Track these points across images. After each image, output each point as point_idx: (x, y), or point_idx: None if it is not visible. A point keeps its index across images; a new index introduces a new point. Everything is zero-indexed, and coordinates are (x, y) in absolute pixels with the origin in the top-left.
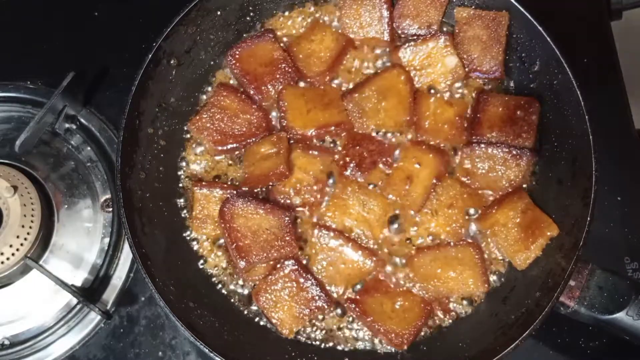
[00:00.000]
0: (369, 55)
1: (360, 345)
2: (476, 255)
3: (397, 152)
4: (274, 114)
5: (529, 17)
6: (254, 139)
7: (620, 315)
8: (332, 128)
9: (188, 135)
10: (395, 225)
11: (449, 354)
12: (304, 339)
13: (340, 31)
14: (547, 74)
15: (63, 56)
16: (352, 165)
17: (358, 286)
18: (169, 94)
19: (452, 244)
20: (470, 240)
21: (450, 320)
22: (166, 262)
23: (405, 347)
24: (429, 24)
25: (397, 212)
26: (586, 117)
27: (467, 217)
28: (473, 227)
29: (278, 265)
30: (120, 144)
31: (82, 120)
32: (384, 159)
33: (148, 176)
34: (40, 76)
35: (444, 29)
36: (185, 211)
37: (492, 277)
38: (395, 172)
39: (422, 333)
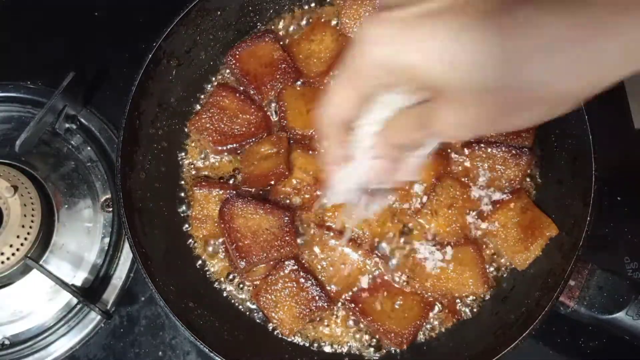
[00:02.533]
0: None
1: (360, 345)
2: (476, 256)
3: None
4: (274, 114)
5: None
6: (254, 139)
7: (620, 315)
8: None
9: (188, 136)
10: (395, 225)
11: (449, 354)
12: (304, 339)
13: (340, 31)
14: None
15: (63, 56)
16: None
17: (358, 286)
18: (169, 94)
19: (452, 244)
20: (470, 240)
21: (451, 321)
22: (166, 262)
23: (405, 347)
24: None
25: (396, 212)
26: (586, 117)
27: (466, 218)
28: (473, 227)
29: (278, 265)
30: (120, 144)
31: (82, 120)
32: None
33: (148, 176)
34: (40, 76)
35: None
36: (185, 211)
37: (492, 277)
38: None
39: (422, 333)
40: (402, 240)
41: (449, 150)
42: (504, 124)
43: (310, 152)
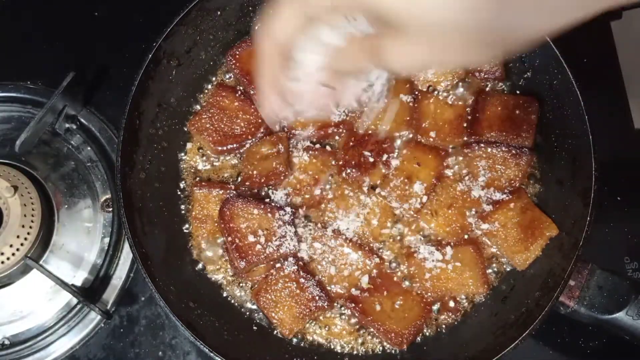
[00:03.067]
0: None
1: (360, 345)
2: (476, 256)
3: (396, 152)
4: None
5: None
6: (253, 139)
7: (620, 315)
8: (332, 128)
9: (188, 136)
10: (395, 226)
11: (449, 354)
12: (304, 339)
13: None
14: (547, 74)
15: (63, 56)
16: (351, 165)
17: (358, 286)
18: (169, 94)
19: (452, 244)
20: (470, 240)
21: (451, 321)
22: (166, 262)
23: (405, 347)
24: None
25: (397, 212)
26: (586, 117)
27: (466, 218)
28: (473, 227)
29: (278, 265)
30: (120, 144)
31: (82, 120)
32: (383, 159)
33: (148, 176)
34: (40, 76)
35: None
36: (185, 211)
37: (492, 277)
38: (395, 172)
39: (422, 333)
40: (401, 240)
41: (448, 150)
42: (453, 62)
43: (310, 152)
